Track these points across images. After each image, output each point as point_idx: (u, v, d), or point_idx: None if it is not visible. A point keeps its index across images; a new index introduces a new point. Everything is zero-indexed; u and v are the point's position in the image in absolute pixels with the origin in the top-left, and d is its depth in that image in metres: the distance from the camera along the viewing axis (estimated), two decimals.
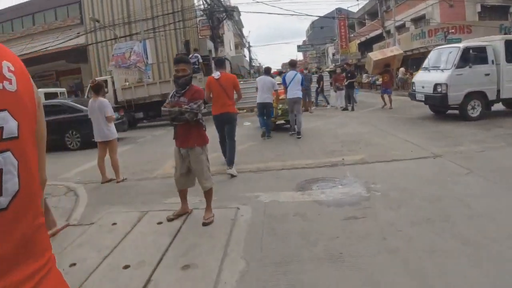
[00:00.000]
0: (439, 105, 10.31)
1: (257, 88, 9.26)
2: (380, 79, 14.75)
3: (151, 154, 8.71)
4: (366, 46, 37.66)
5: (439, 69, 10.01)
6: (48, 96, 17.97)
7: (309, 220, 3.90)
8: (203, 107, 3.97)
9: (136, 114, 15.44)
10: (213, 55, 23.20)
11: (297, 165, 6.18)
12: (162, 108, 4.00)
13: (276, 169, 6.09)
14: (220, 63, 6.89)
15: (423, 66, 11.14)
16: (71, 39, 21.35)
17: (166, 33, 22.01)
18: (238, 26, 43.26)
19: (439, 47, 11.71)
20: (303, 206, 4.30)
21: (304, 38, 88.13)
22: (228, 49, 38.26)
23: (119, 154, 6.73)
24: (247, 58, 49.30)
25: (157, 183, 6.09)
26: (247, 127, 12.07)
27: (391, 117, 11.52)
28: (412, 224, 3.56)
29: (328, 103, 17.20)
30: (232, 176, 5.96)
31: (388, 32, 32.32)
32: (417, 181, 4.93)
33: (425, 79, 10.52)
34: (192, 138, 3.99)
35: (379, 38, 34.66)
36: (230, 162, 6.22)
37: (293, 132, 9.36)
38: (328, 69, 36.26)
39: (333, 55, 52.44)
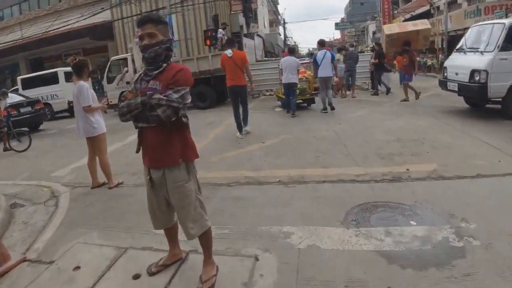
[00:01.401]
0: (476, 98, 7.99)
1: (281, 70, 9.65)
2: (405, 61, 10.65)
3: None
4: None
5: (477, 51, 7.65)
6: (69, 76, 17.01)
7: None
8: (189, 100, 2.33)
9: None
10: (245, 31, 21.42)
11: (344, 176, 4.50)
12: (120, 104, 2.40)
13: (315, 181, 4.44)
14: (231, 42, 8.03)
15: (457, 47, 8.74)
16: (95, 14, 20.16)
17: (194, 7, 20.37)
18: (273, 2, 41.08)
19: (479, 23, 9.06)
20: (361, 261, 2.67)
21: (342, 16, 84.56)
22: (262, 26, 36.22)
23: (126, 145, 5.35)
24: (282, 37, 46.98)
25: None
26: (279, 113, 10.38)
27: (435, 108, 9.41)
28: None
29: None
30: (247, 132, 7.62)
31: (437, 8, 29.11)
32: None
33: (459, 63, 8.19)
34: (170, 151, 2.36)
35: (426, 15, 31.33)
36: (245, 123, 7.72)
37: (325, 111, 9.64)
38: (368, 48, 33.61)
39: (374, 33, 49.14)
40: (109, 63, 15.01)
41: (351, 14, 69.74)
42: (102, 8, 20.26)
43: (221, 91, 13.87)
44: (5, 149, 9.22)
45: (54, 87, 16.56)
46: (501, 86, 7.15)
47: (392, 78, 13.89)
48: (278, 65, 11.38)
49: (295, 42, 58.09)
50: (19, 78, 17.33)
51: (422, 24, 12.93)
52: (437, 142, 5.84)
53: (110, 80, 14.82)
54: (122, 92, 14.38)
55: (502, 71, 7.09)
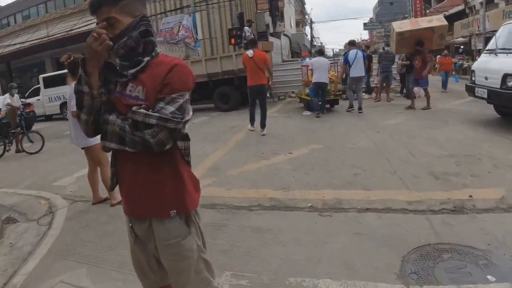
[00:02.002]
0: (510, 107, 6.86)
1: (311, 70, 9.83)
2: (418, 63, 9.30)
3: None
4: None
5: (511, 52, 6.57)
6: None
7: None
8: (190, 113, 1.48)
9: None
10: (271, 30, 20.64)
11: (393, 203, 3.62)
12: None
13: (357, 208, 3.58)
14: (253, 42, 8.26)
15: (487, 48, 7.66)
16: None
17: (219, 5, 19.75)
18: (301, 1, 40.14)
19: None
20: None
21: (370, 16, 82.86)
22: (289, 26, 35.34)
23: None
24: (309, 37, 45.92)
25: None
26: (307, 118, 9.53)
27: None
28: None
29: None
30: (263, 135, 7.48)
31: (473, 8, 27.43)
32: None
33: (489, 66, 7.05)
34: (159, 196, 1.52)
35: (460, 15, 29.76)
36: (262, 125, 7.68)
37: (350, 109, 9.77)
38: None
39: None
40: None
41: (380, 14, 68.18)
42: None
43: (245, 92, 13.15)
44: (17, 151, 8.78)
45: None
46: None
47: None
48: (306, 66, 11.21)
49: (321, 43, 56.85)
50: (40, 76, 17.17)
51: (438, 21, 10.76)
52: (497, 159, 4.84)
53: None
54: None
55: None
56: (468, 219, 3.25)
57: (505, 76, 6.30)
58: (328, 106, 10.43)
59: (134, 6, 1.47)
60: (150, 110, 1.37)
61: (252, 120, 8.07)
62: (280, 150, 6.06)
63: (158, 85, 1.41)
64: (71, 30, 21.85)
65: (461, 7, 29.65)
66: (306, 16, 46.55)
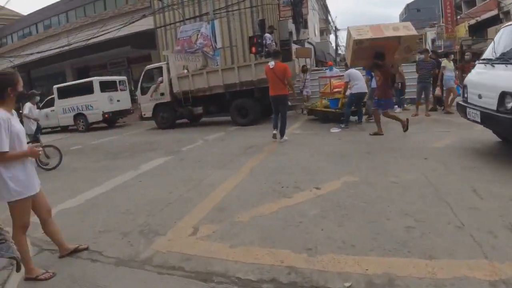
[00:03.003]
0: (509, 135, 5.33)
1: (347, 82, 9.50)
2: (378, 80, 7.86)
3: (178, 183, 5.49)
4: (476, 31, 30.82)
5: (511, 63, 4.94)
6: (104, 85, 16.00)
7: None
8: None
9: (195, 108, 12.49)
10: (294, 38, 19.52)
11: (469, 283, 2.39)
12: None
13: None
14: (276, 54, 8.48)
15: (482, 57, 6.02)
16: (133, 22, 19.19)
17: (240, 12, 18.83)
18: (325, 8, 38.94)
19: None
20: None
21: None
22: (312, 34, 34.17)
23: (138, 177, 3.59)
24: (333, 45, 44.51)
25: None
26: (335, 136, 8.28)
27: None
28: None
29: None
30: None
31: (507, 13, 25.57)
32: None
33: (484, 81, 5.47)
34: None
35: (493, 21, 27.83)
36: (282, 133, 8.10)
37: (370, 119, 9.71)
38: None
39: (433, 41, 45.35)
40: (143, 73, 13.69)
41: (407, 20, 66.13)
42: (144, 15, 19.25)
43: (266, 105, 12.02)
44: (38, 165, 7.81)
45: (88, 97, 15.60)
46: None
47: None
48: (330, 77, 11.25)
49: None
50: (54, 87, 16.62)
51: (405, 29, 8.24)
52: None
53: (144, 91, 13.50)
54: (156, 105, 13.00)
55: None
56: None
57: (503, 95, 4.70)
58: (356, 118, 9.99)
59: None
60: None
61: (275, 126, 8.28)
62: (304, 182, 4.86)
63: None
64: (88, 39, 21.42)
65: (494, 12, 27.81)
66: (330, 25, 45.17)
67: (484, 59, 5.79)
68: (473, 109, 5.48)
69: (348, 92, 9.59)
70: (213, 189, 5.00)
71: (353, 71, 9.41)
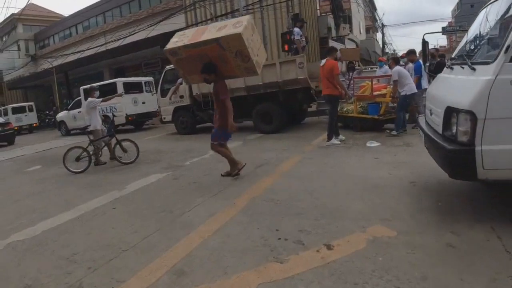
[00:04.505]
0: (450, 170, 3.13)
1: (394, 81, 7.94)
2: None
3: (152, 217, 4.17)
4: None
5: (468, 63, 3.12)
6: (129, 87, 15.20)
7: None
8: None
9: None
10: (333, 34, 17.76)
11: None
12: None
13: None
14: (330, 51, 7.99)
15: (453, 55, 4.21)
16: (161, 20, 18.37)
17: (275, 6, 17.39)
18: (372, 4, 36.60)
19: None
20: None
21: (449, 19, 76.59)
22: (357, 32, 32.02)
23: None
24: (380, 43, 41.84)
25: None
26: (374, 153, 6.56)
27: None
28: None
29: None
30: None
31: None
32: None
33: (436, 90, 3.88)
34: None
35: None
36: (328, 137, 7.71)
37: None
38: None
39: None
40: (163, 73, 12.63)
41: (460, 16, 62.40)
42: (173, 13, 18.36)
43: (294, 110, 10.51)
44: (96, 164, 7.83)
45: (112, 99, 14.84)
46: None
47: None
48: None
49: (394, 51, 52.00)
50: (81, 88, 16.09)
51: (231, 27, 5.27)
52: None
53: (164, 93, 12.44)
54: (176, 108, 11.90)
55: None
56: None
57: (449, 112, 3.11)
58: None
59: None
60: None
61: (328, 137, 7.75)
62: (312, 232, 3.33)
63: None
64: (121, 39, 20.98)
65: None
66: (377, 23, 42.57)
67: (452, 58, 4.05)
68: (422, 129, 3.92)
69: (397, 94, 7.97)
70: (187, 232, 3.63)
71: (401, 69, 8.16)
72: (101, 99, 8.20)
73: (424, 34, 6.08)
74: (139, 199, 5.16)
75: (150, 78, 17.01)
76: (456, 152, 2.94)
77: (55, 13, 39.41)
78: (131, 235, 3.76)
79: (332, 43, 14.67)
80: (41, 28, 35.48)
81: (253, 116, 10.18)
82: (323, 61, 7.67)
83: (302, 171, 5.61)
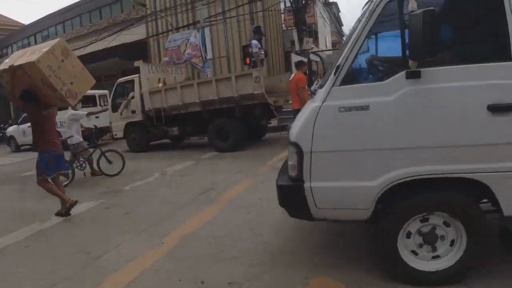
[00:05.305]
0: (289, 210, 2.85)
1: None
2: None
3: (67, 259, 3.46)
4: None
5: (320, 86, 2.84)
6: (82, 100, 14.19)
7: None
8: None
9: (170, 129, 10.51)
10: (297, 48, 17.57)
11: None
12: None
13: None
14: (299, 64, 8.24)
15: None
16: (121, 30, 17.58)
17: (238, 19, 17.02)
18: (337, 19, 37.11)
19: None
20: None
21: None
22: (324, 46, 32.25)
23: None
24: None
25: None
26: None
27: None
28: None
29: None
30: None
31: None
32: None
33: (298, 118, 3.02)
34: None
35: None
36: None
37: None
38: None
39: None
40: (114, 87, 11.81)
41: None
42: (132, 24, 17.62)
43: (252, 126, 9.97)
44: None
45: (63, 113, 13.83)
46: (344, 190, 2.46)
47: None
48: None
49: None
50: None
51: (36, 53, 4.57)
52: None
53: (115, 108, 11.61)
54: (128, 124, 11.11)
55: (344, 147, 2.40)
56: None
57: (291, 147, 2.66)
58: None
59: None
60: None
61: None
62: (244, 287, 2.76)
63: None
64: (76, 49, 19.92)
65: None
66: (343, 38, 43.37)
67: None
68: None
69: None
70: (97, 282, 2.96)
71: None
72: (85, 113, 8.02)
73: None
74: (58, 235, 4.41)
75: (105, 91, 16.08)
76: (283, 188, 2.66)
77: (15, 21, 37.61)
78: (35, 282, 3.08)
79: (295, 57, 14.40)
80: (0, 36, 33.70)
81: (208, 132, 9.56)
82: (292, 75, 8.03)
83: (250, 198, 5.01)
